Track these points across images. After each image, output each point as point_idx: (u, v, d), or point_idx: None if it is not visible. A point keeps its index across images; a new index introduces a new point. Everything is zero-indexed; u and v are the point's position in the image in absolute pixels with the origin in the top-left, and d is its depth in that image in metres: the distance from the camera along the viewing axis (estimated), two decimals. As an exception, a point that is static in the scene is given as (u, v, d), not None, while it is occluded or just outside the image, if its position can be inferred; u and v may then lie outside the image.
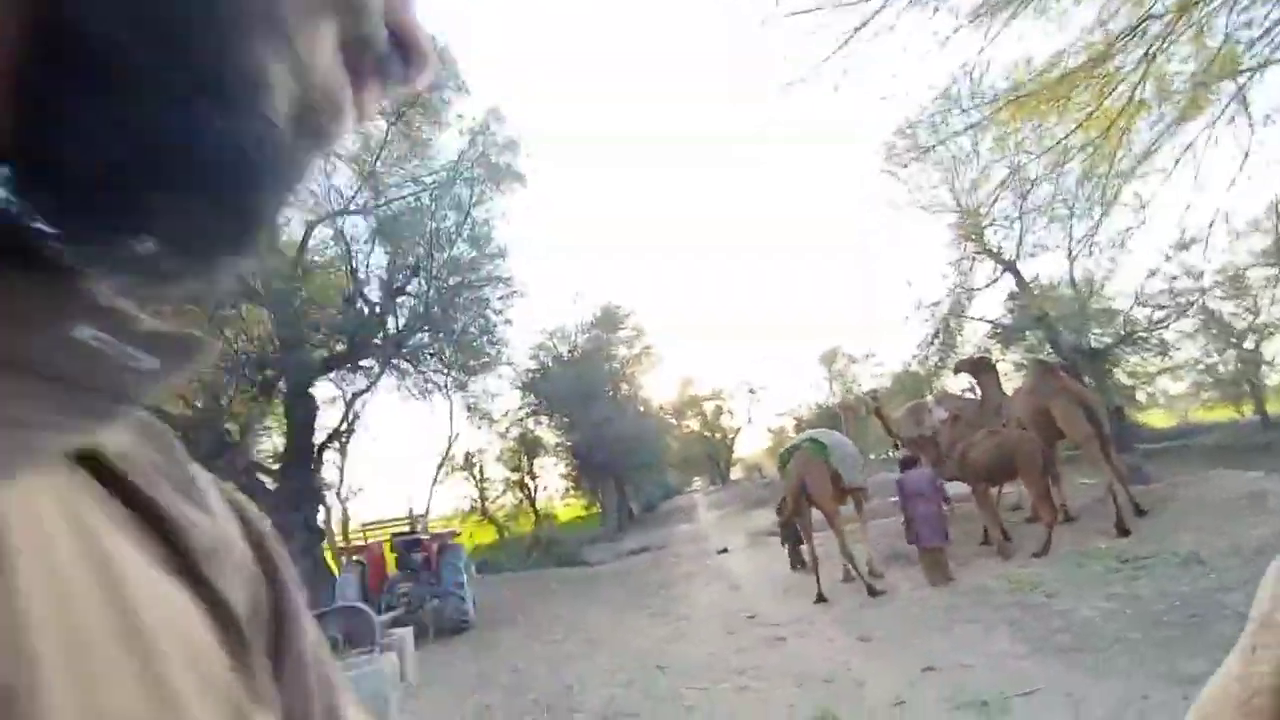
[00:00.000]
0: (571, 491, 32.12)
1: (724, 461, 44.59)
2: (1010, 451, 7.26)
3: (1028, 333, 14.08)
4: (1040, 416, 7.83)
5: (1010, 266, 13.97)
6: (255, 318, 11.05)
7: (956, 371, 10.81)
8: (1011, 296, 14.30)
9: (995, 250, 14.12)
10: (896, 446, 9.67)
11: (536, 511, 31.06)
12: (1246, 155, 6.25)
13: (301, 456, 11.59)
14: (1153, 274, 13.52)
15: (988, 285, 14.62)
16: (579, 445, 24.57)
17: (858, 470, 7.90)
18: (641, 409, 28.23)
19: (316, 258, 12.76)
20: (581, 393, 23.11)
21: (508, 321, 14.57)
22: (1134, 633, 4.39)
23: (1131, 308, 13.36)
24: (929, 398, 10.30)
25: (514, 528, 27.15)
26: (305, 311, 11.38)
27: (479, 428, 24.50)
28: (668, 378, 54.51)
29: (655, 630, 7.09)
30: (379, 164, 12.11)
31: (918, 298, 15.44)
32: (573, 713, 4.69)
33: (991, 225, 13.97)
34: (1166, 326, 14.15)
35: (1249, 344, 17.90)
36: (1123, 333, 13.75)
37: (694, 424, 43.31)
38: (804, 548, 7.60)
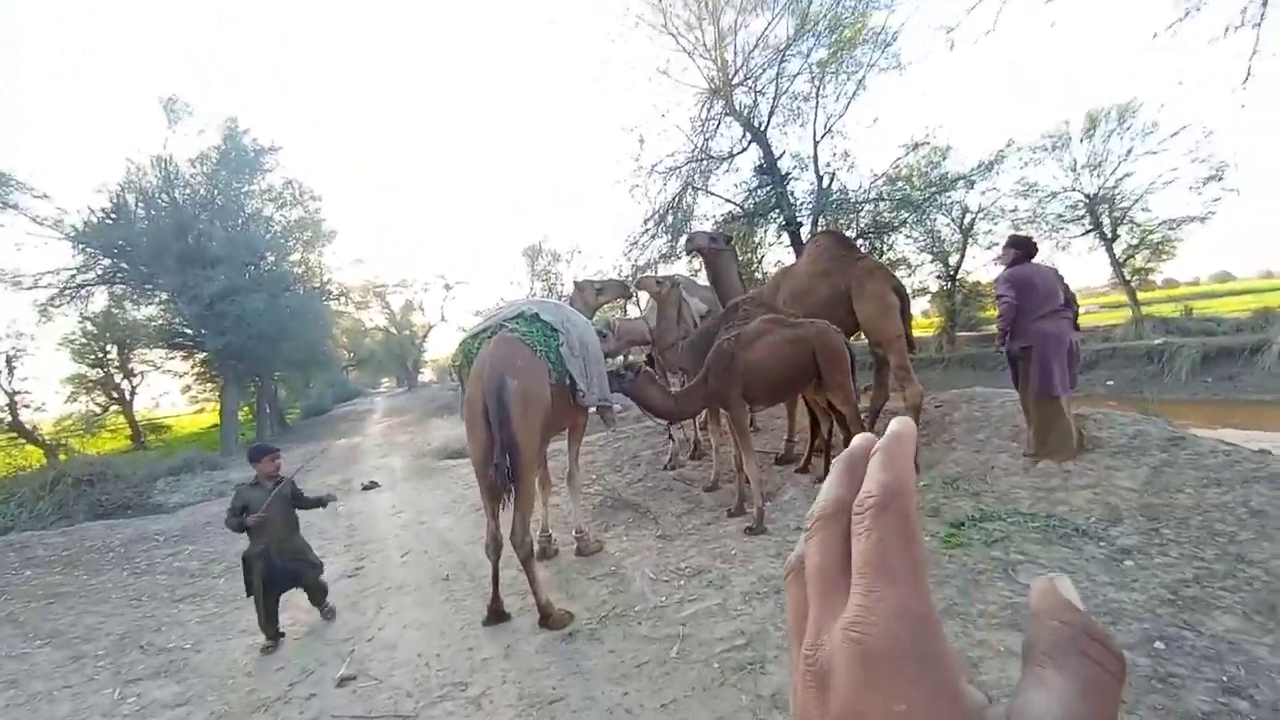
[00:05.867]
0: (209, 394, 24.40)
1: (413, 362, 39.36)
2: (810, 349, 4.68)
3: (772, 215, 12.60)
4: (830, 309, 5.45)
5: (759, 136, 12.26)
6: None
7: (689, 251, 8.46)
8: (758, 170, 12.68)
9: (744, 113, 12.33)
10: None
11: (134, 424, 22.92)
12: None
13: None
14: (890, 179, 13.22)
15: (734, 154, 12.76)
16: (195, 328, 17.37)
17: (603, 376, 4.48)
18: (299, 289, 21.46)
19: None
20: (182, 254, 15.68)
21: None
22: None
23: (868, 202, 12.86)
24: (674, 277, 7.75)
25: (83, 449, 18.68)
26: None
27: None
28: (345, 260, 45.87)
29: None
30: None
31: (650, 162, 12.93)
32: None
33: (742, 85, 12.16)
34: (896, 231, 14.13)
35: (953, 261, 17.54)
36: (863, 227, 13.27)
37: (381, 319, 36.74)
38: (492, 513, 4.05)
